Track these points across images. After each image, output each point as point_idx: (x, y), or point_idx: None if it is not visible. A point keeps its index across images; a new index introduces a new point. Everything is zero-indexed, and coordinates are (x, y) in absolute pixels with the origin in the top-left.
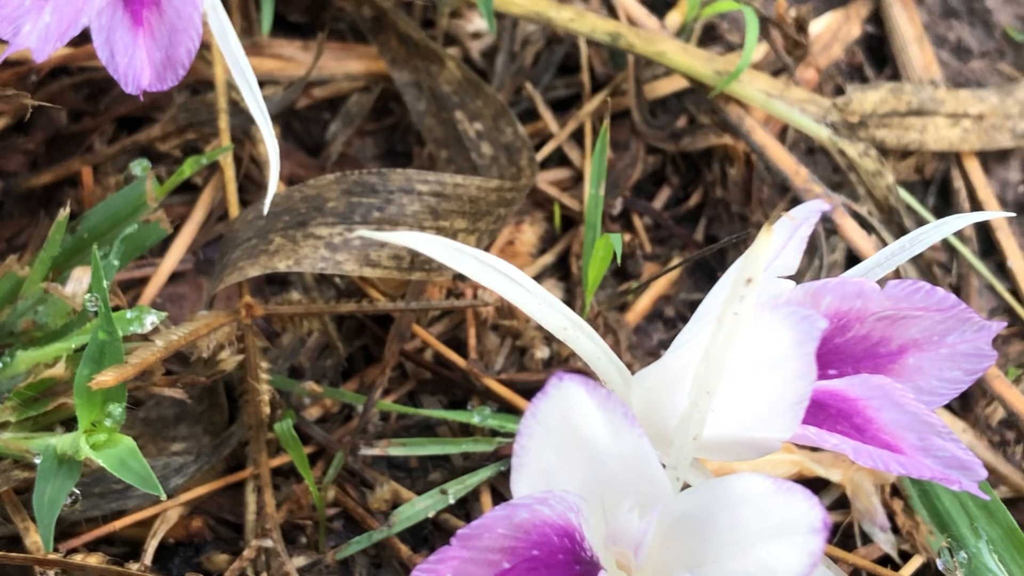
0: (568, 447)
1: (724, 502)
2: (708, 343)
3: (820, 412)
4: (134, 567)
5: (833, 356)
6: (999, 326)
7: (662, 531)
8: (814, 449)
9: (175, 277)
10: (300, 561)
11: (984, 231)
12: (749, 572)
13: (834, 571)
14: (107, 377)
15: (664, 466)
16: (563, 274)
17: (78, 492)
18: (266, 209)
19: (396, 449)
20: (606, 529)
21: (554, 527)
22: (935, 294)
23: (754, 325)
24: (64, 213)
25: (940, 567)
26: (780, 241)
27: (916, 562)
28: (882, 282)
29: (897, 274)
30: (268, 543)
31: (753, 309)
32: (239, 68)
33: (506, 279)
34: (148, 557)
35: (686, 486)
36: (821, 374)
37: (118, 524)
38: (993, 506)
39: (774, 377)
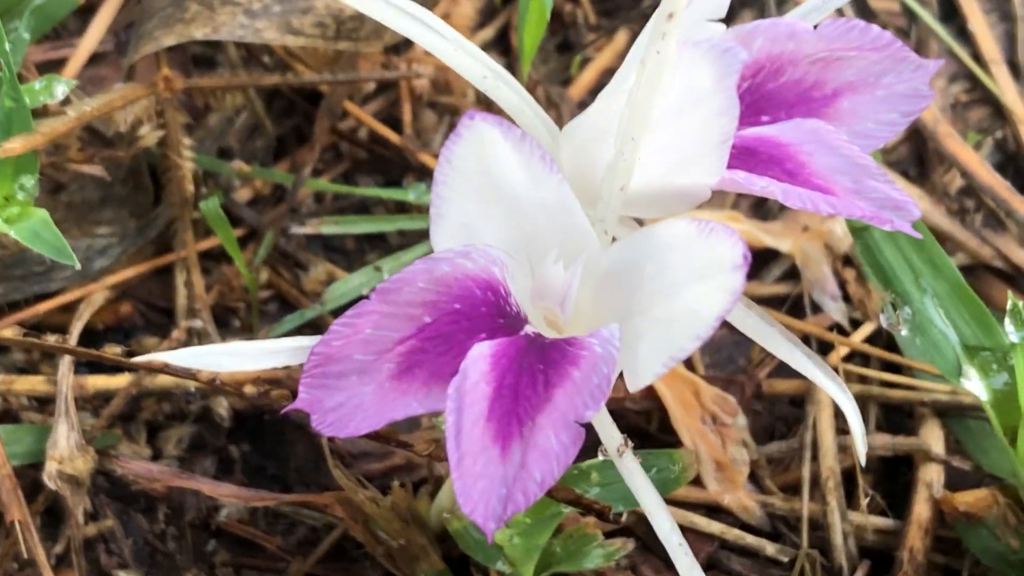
0: (487, 196)
1: (650, 251)
2: (632, 87)
3: (751, 158)
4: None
5: (765, 102)
6: (936, 64)
7: (591, 286)
8: (763, 219)
9: (96, 59)
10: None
11: None
12: (675, 318)
13: (755, 311)
14: (15, 144)
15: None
16: (503, 49)
17: None
18: None
19: (329, 227)
20: (533, 284)
21: (477, 281)
22: (870, 31)
23: (678, 65)
24: None
25: (883, 323)
26: None
27: (867, 329)
28: None
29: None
30: (198, 323)
31: (677, 48)
32: None
33: (418, 23)
34: (73, 339)
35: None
36: (753, 120)
37: (42, 308)
38: (939, 260)
39: (697, 116)
